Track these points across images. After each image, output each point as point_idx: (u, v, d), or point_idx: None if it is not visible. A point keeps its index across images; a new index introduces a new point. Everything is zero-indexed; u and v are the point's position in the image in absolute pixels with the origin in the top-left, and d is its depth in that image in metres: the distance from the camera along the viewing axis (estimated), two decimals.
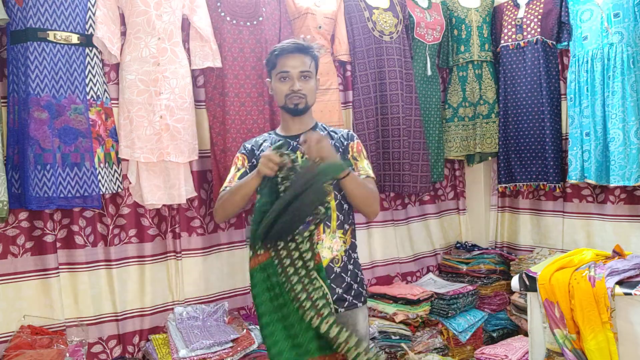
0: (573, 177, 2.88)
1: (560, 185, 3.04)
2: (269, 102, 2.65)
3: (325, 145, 1.69)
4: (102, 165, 2.25)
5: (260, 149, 1.92)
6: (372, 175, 1.90)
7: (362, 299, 1.90)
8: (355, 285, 1.88)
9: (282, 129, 1.97)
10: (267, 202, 1.68)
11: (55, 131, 2.09)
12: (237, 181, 1.85)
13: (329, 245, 1.83)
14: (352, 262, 1.89)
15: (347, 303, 1.85)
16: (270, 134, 2.00)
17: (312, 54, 1.89)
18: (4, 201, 1.99)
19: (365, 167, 1.91)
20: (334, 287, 1.81)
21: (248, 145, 1.96)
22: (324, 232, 1.82)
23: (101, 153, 2.25)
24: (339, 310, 1.82)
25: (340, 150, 1.90)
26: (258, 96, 2.62)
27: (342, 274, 1.85)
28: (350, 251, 1.89)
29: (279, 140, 1.84)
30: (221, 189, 1.91)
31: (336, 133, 1.96)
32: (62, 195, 2.10)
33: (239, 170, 1.91)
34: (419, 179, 3.08)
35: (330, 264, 1.82)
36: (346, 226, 1.88)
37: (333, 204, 1.84)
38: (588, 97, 2.78)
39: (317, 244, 1.77)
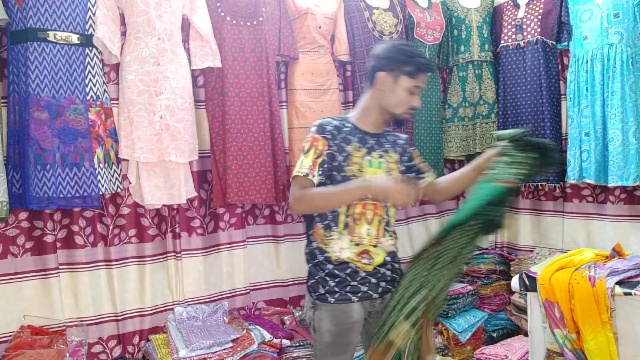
0: (571, 177, 2.88)
1: (560, 185, 3.04)
2: (269, 102, 2.65)
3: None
4: (101, 165, 2.25)
5: (343, 136, 1.76)
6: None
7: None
8: (398, 265, 1.95)
9: (360, 121, 1.82)
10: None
11: (55, 131, 2.09)
12: (332, 188, 1.70)
13: (388, 243, 1.88)
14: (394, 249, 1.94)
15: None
16: (343, 121, 1.82)
17: None
18: (4, 202, 1.99)
19: (428, 168, 2.00)
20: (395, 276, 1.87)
21: (329, 127, 1.76)
22: (384, 235, 1.84)
23: (101, 153, 2.25)
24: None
25: (404, 162, 1.90)
26: (258, 96, 2.62)
27: (395, 264, 1.91)
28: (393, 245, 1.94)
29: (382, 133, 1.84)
30: (300, 172, 1.71)
31: (397, 139, 1.92)
32: (61, 196, 2.10)
33: (319, 156, 1.73)
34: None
35: (387, 257, 1.86)
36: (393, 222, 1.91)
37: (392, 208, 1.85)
38: (587, 97, 2.78)
39: (377, 246, 1.81)
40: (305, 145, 1.77)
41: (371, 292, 1.79)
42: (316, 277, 1.81)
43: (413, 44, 1.85)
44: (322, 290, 1.79)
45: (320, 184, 1.73)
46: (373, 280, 1.79)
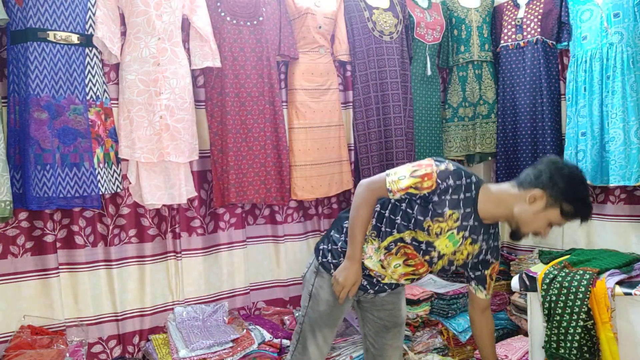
0: None
1: None
2: (272, 102, 2.65)
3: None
4: (101, 165, 2.25)
5: (452, 198, 1.64)
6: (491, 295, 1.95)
7: None
8: None
9: (484, 207, 1.68)
10: None
11: (54, 131, 2.09)
12: (357, 237, 1.72)
13: (400, 284, 1.92)
14: None
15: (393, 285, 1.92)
16: (473, 187, 1.66)
17: None
18: (7, 201, 1.99)
19: (492, 288, 1.92)
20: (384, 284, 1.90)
21: (450, 182, 1.62)
22: (403, 281, 1.88)
23: (100, 153, 2.25)
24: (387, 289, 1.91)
25: (481, 255, 1.80)
26: (259, 95, 2.62)
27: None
28: None
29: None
30: (389, 181, 1.66)
31: (494, 238, 1.81)
32: (61, 196, 2.10)
33: (415, 189, 1.63)
34: None
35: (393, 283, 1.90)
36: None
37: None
38: (585, 97, 2.78)
39: (392, 279, 1.85)
40: (420, 168, 1.65)
41: (369, 287, 1.88)
42: (332, 247, 1.85)
43: (589, 187, 1.76)
44: (330, 258, 1.85)
45: (396, 205, 1.73)
46: (374, 281, 1.87)
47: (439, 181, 1.62)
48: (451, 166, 1.65)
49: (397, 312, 2.01)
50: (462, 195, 1.65)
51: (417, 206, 1.67)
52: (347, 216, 1.86)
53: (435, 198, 1.63)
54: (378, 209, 1.78)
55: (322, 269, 1.86)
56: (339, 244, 1.84)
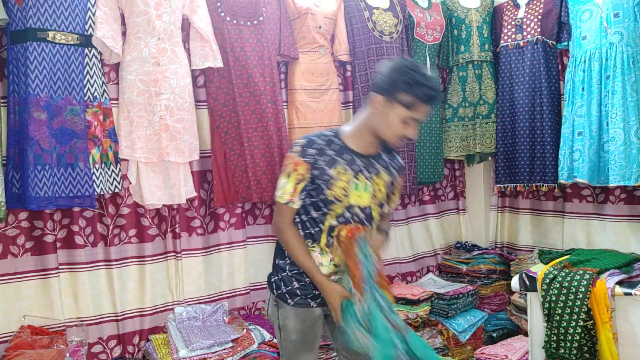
0: (561, 177, 2.88)
1: (558, 185, 3.02)
2: (274, 102, 2.65)
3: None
4: (96, 166, 2.24)
5: (327, 159, 1.69)
6: (398, 201, 1.96)
7: None
8: None
9: (352, 141, 1.74)
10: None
11: (52, 131, 2.09)
12: (305, 260, 1.72)
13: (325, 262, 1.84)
14: None
15: None
16: (334, 138, 1.74)
17: None
18: (1, 202, 1.99)
19: (396, 201, 1.93)
20: None
21: (311, 151, 1.69)
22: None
23: (97, 154, 2.25)
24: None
25: (391, 184, 1.84)
26: (261, 95, 2.61)
27: None
28: None
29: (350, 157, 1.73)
30: (282, 199, 1.71)
31: (392, 160, 1.85)
32: (57, 195, 2.10)
33: (300, 181, 1.70)
34: (411, 180, 3.09)
35: None
36: None
37: (376, 215, 1.82)
38: (583, 97, 2.77)
39: None
40: (287, 166, 1.72)
41: None
42: (282, 275, 1.81)
43: (424, 67, 1.73)
44: (284, 289, 1.80)
45: (303, 206, 1.74)
46: None
47: (305, 158, 1.69)
48: (302, 141, 1.72)
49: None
50: (329, 151, 1.71)
51: (314, 191, 1.71)
52: (280, 247, 1.85)
53: (316, 172, 1.69)
54: (297, 220, 1.78)
55: (281, 300, 1.81)
56: (287, 268, 1.80)
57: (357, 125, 1.75)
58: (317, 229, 1.75)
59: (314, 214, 1.74)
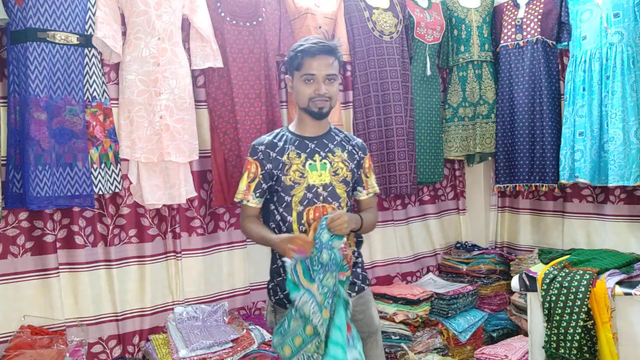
0: (562, 177, 2.88)
1: (559, 185, 3.03)
2: (270, 103, 2.65)
3: (349, 221, 1.69)
4: (95, 166, 2.24)
5: (277, 149, 1.82)
6: (377, 190, 1.99)
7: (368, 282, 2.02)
8: (360, 270, 1.97)
9: (297, 128, 1.89)
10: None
11: (52, 132, 2.09)
12: (264, 234, 1.77)
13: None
14: (356, 256, 1.97)
15: (357, 287, 1.92)
16: (283, 131, 1.90)
17: (338, 55, 1.82)
18: None
19: (374, 183, 1.99)
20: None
21: (260, 147, 1.83)
22: (339, 238, 1.83)
23: (95, 154, 2.25)
24: (351, 294, 1.88)
25: (354, 162, 1.90)
26: (255, 97, 2.61)
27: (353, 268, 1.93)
28: (357, 250, 1.97)
29: (295, 140, 1.84)
30: (237, 198, 1.85)
31: (349, 140, 1.94)
32: (55, 195, 2.10)
33: (253, 180, 1.82)
34: (411, 180, 3.09)
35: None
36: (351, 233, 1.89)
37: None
38: (584, 97, 2.78)
39: None
40: (244, 169, 1.85)
41: None
42: (276, 280, 1.85)
43: (314, 37, 1.85)
44: (280, 295, 1.83)
45: (265, 203, 1.82)
46: None
47: (255, 156, 1.82)
48: (253, 142, 1.87)
49: (370, 321, 1.94)
50: (279, 142, 1.84)
51: (275, 184, 1.80)
52: (272, 251, 1.89)
53: (269, 165, 1.80)
54: (273, 226, 1.84)
55: (279, 306, 1.83)
56: (280, 271, 1.82)
57: (296, 113, 1.90)
58: (287, 223, 1.80)
59: (281, 209, 1.80)
